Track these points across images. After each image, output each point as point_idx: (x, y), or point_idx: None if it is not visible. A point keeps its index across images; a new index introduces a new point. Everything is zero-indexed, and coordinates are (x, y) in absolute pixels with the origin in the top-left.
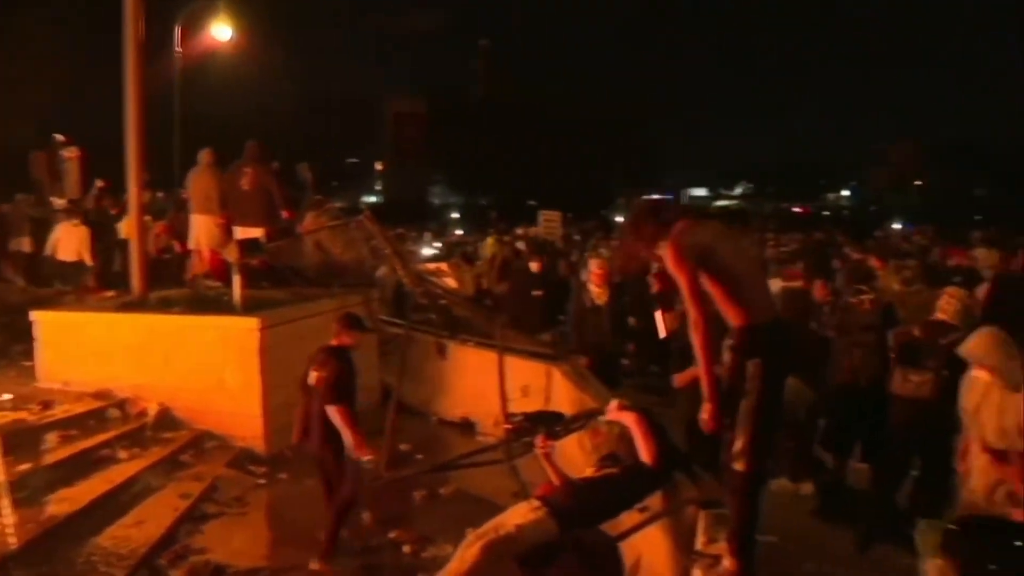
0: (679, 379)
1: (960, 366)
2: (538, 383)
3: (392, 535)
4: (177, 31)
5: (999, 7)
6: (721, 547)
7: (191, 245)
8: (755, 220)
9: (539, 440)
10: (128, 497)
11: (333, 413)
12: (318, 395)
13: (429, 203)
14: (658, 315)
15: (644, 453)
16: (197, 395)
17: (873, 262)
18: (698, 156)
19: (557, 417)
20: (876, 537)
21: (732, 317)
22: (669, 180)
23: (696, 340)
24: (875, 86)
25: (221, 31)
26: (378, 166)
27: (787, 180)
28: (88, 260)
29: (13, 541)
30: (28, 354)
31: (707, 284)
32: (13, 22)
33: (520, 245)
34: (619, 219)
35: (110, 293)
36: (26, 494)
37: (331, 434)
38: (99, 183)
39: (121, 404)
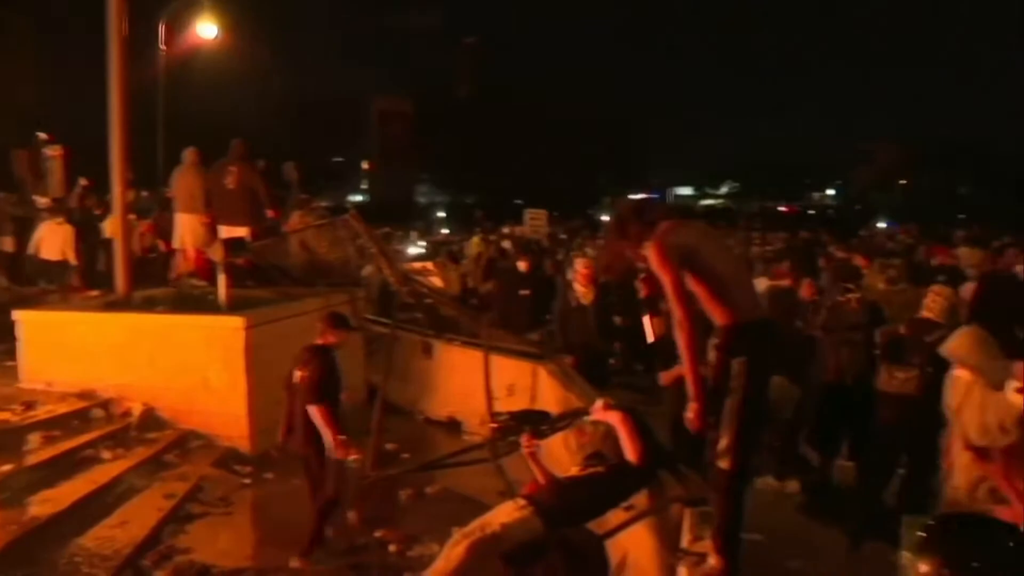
0: (665, 377)
1: (944, 363)
2: (524, 382)
3: (378, 534)
4: (161, 29)
5: (989, 6)
6: (706, 545)
7: (176, 244)
8: (741, 219)
9: (525, 439)
10: (112, 498)
11: (314, 412)
12: (301, 394)
13: (415, 202)
14: (646, 320)
15: (629, 452)
16: (182, 395)
17: (858, 261)
18: (684, 155)
19: (543, 416)
20: (863, 534)
21: (717, 316)
22: (655, 179)
23: (681, 340)
24: (860, 86)
25: (206, 29)
26: (364, 165)
27: (772, 179)
28: (72, 259)
29: None
30: (11, 354)
31: (692, 284)
32: None
33: (506, 244)
34: (605, 218)
35: (94, 292)
36: (8, 495)
37: (315, 433)
38: (83, 182)
39: (105, 404)
